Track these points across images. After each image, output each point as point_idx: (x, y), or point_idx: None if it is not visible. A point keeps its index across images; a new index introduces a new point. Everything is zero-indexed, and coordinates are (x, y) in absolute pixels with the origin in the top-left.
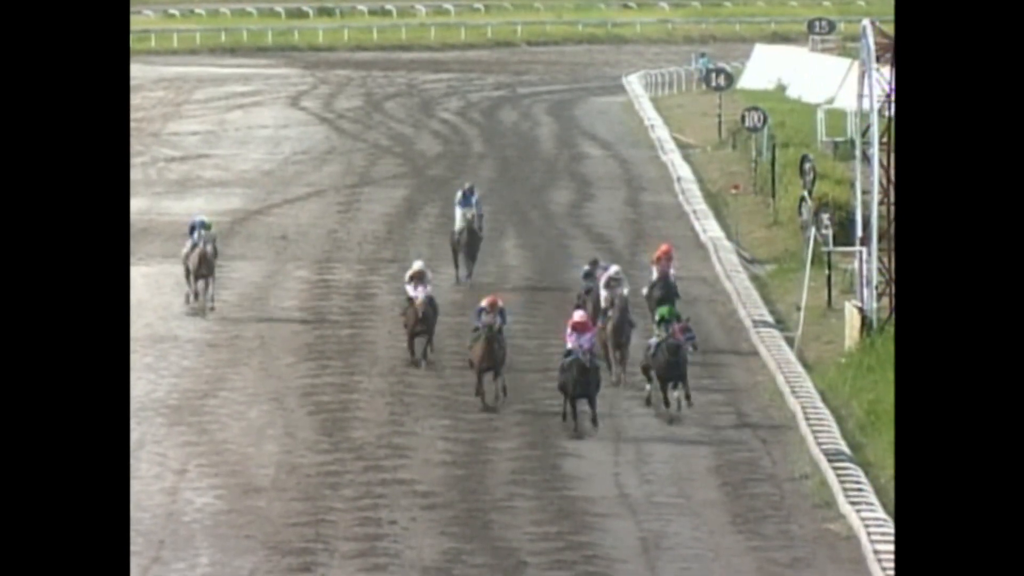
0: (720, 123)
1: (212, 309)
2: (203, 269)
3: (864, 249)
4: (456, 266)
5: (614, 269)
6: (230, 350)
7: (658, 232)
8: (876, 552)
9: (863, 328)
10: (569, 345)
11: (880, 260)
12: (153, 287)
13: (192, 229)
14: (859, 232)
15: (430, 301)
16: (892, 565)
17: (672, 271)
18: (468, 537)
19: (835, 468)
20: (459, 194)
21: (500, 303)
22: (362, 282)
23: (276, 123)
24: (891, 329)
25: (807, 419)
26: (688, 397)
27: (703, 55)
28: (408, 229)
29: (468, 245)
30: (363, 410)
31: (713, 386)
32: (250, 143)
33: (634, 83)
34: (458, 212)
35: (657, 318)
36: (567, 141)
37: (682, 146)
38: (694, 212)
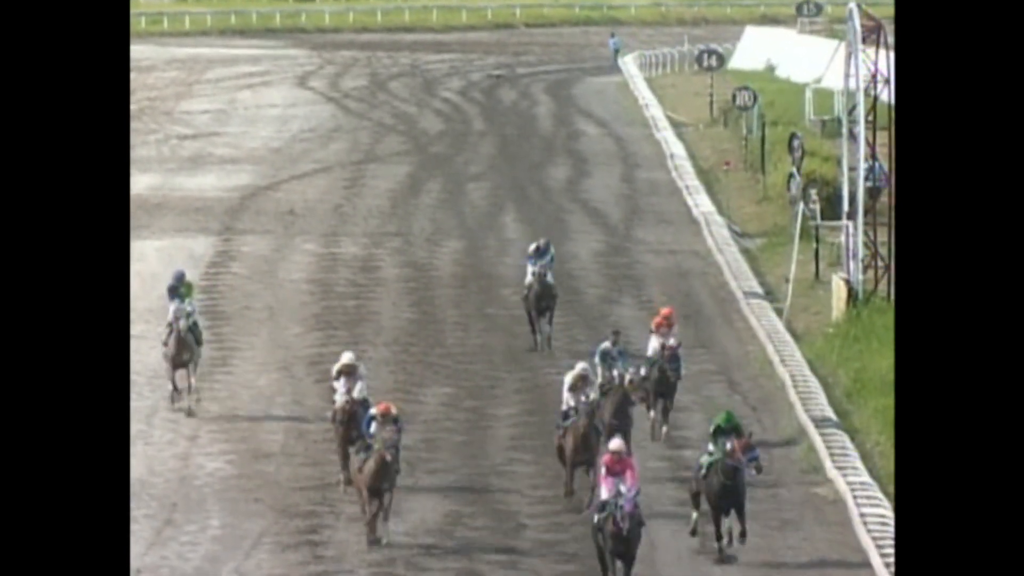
0: (712, 102)
1: (198, 402)
2: (183, 356)
3: (850, 223)
4: (533, 331)
5: (580, 367)
6: (240, 321)
7: (652, 208)
8: (862, 516)
9: (849, 299)
10: (604, 494)
11: (866, 234)
12: (166, 260)
13: (171, 293)
14: (845, 207)
15: (363, 403)
16: (878, 528)
17: (674, 341)
18: (469, 500)
19: (822, 434)
20: (532, 248)
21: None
22: (367, 255)
23: (284, 102)
24: (876, 300)
25: (795, 387)
26: (744, 534)
27: (612, 35)
28: (412, 204)
29: (539, 300)
30: (368, 378)
31: (704, 356)
32: (259, 121)
33: (629, 64)
34: (529, 268)
35: (712, 428)
36: (564, 120)
37: (675, 124)
38: (687, 188)
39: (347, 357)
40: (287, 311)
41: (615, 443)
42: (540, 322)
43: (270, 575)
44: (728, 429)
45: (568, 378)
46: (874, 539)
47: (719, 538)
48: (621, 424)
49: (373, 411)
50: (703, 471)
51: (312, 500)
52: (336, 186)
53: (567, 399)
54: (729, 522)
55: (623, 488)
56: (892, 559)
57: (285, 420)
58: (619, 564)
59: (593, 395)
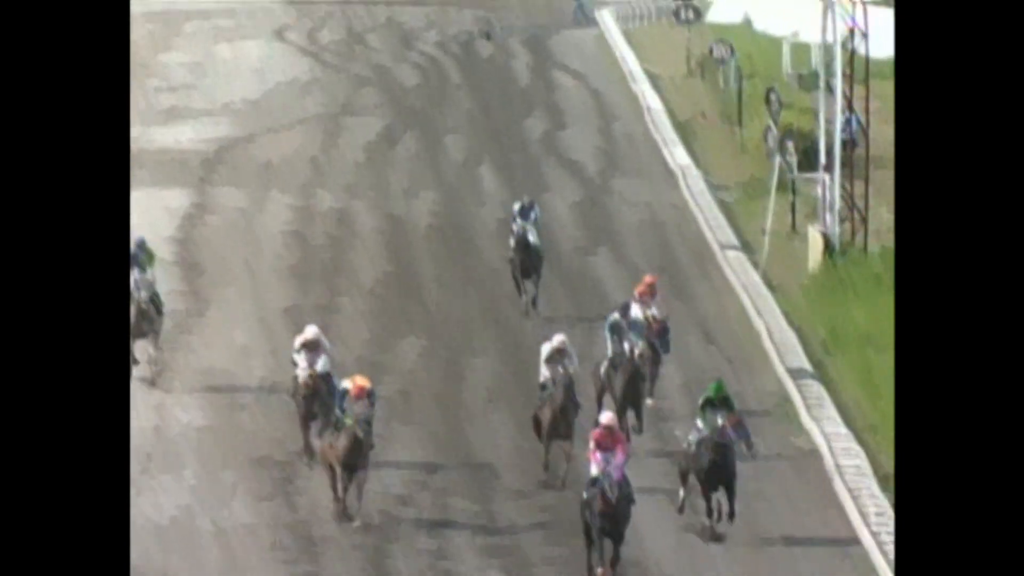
0: (689, 55)
1: (160, 374)
2: (142, 327)
3: (827, 175)
4: (520, 292)
5: (558, 339)
6: (215, 273)
7: (629, 160)
8: (838, 466)
9: (826, 251)
10: (594, 470)
11: (842, 186)
12: (142, 211)
13: (132, 261)
14: (822, 159)
15: (326, 378)
16: (854, 478)
17: (657, 312)
18: (444, 451)
19: (798, 385)
20: (516, 207)
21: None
22: (343, 207)
23: (261, 55)
24: (853, 252)
25: (772, 338)
26: (732, 514)
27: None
28: (388, 156)
29: (524, 262)
30: (344, 330)
31: (681, 308)
32: (235, 74)
33: (606, 17)
34: (513, 228)
35: (701, 401)
36: (541, 72)
37: (652, 77)
38: (663, 140)
39: (311, 331)
40: (263, 263)
41: (606, 417)
42: (525, 283)
43: (245, 525)
44: (718, 401)
45: (544, 349)
46: (850, 489)
47: (709, 514)
48: (633, 399)
49: (345, 385)
50: (692, 448)
51: (287, 451)
52: (312, 139)
53: (544, 371)
54: (717, 497)
55: (612, 468)
56: (869, 508)
57: (260, 371)
58: (606, 543)
59: (571, 368)
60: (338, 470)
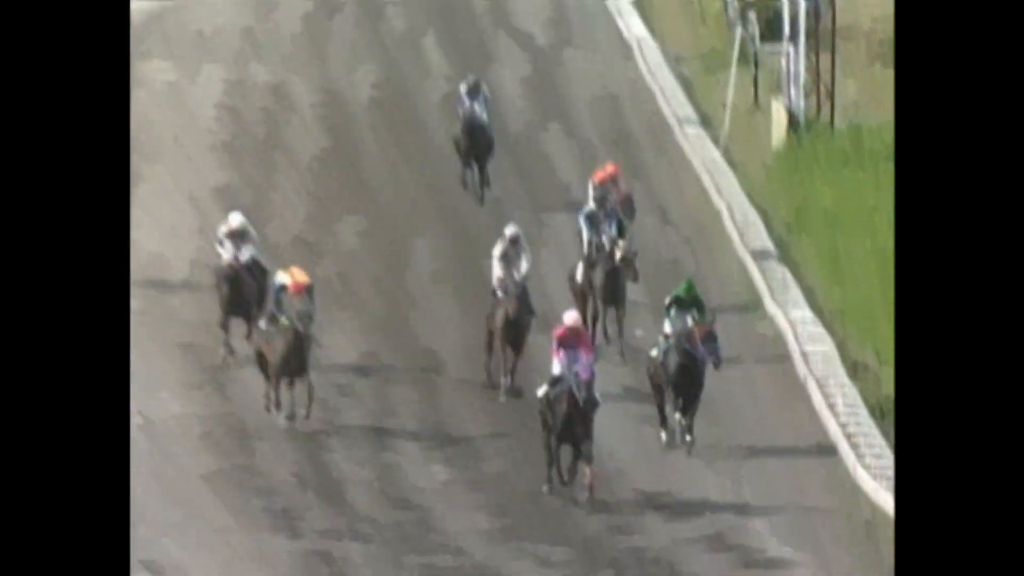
0: None
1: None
2: None
3: (791, 47)
4: (465, 179)
5: (511, 231)
6: (145, 148)
7: (581, 31)
8: (804, 353)
9: (790, 127)
10: (556, 369)
11: (808, 58)
12: None
13: None
14: (786, 30)
15: (252, 269)
16: (821, 365)
17: (614, 197)
18: (386, 337)
19: (761, 268)
20: (463, 88)
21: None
22: (279, 81)
23: None
24: (818, 127)
25: (733, 218)
26: (690, 430)
27: None
28: (326, 27)
29: (472, 147)
30: (280, 209)
31: (636, 186)
32: None
33: None
34: (459, 111)
35: (668, 300)
36: None
37: None
38: (618, 10)
39: (236, 219)
40: (194, 139)
41: (570, 317)
42: (475, 168)
43: (174, 415)
44: (688, 302)
45: (498, 247)
46: (816, 378)
47: (663, 423)
48: (614, 299)
49: (282, 279)
50: (659, 356)
51: (219, 336)
52: (246, 8)
53: (496, 270)
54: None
55: (579, 366)
56: (837, 398)
57: (190, 253)
58: (566, 448)
59: (525, 266)
60: (275, 374)
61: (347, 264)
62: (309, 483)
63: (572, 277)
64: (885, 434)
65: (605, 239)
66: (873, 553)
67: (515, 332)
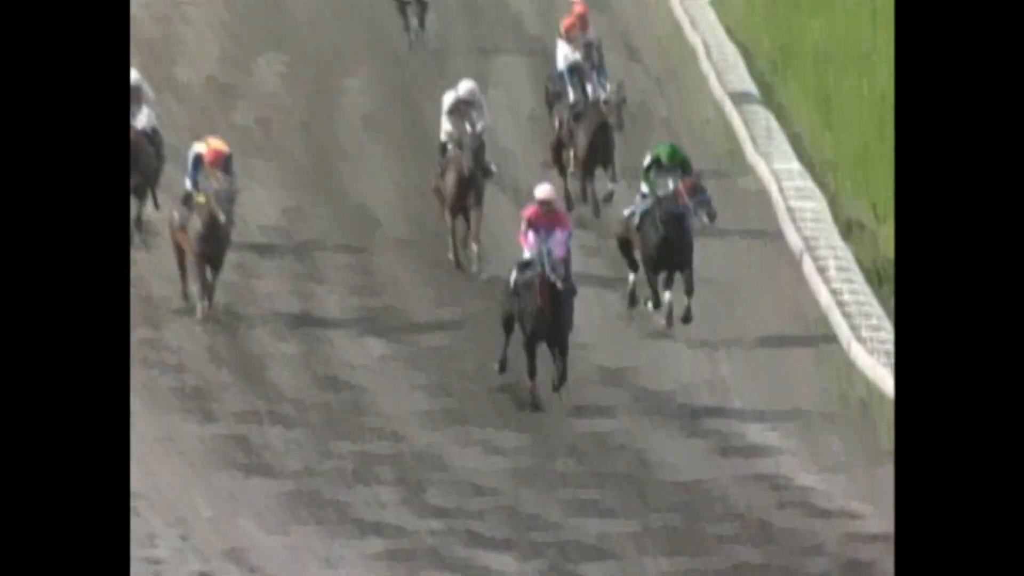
0: None
1: None
2: None
3: None
4: (405, 27)
5: (466, 86)
6: None
7: None
8: (790, 209)
9: None
10: (527, 252)
11: None
12: None
13: None
14: None
15: (151, 137)
16: (812, 224)
17: (595, 41)
18: (312, 192)
19: (742, 112)
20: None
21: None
22: None
23: None
24: None
25: (709, 56)
26: (689, 315)
27: None
28: None
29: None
30: (191, 46)
31: (600, 19)
32: None
33: None
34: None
35: (647, 163)
36: None
37: None
38: None
39: (131, 76)
40: None
41: (543, 190)
42: (414, 8)
43: None
44: (671, 163)
45: (447, 98)
46: (806, 238)
47: (656, 304)
48: (602, 156)
49: (197, 148)
50: (635, 218)
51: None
52: None
53: (446, 125)
54: (671, 288)
55: (553, 244)
56: (829, 261)
57: None
58: (539, 346)
59: (482, 123)
60: (192, 259)
61: (267, 108)
62: (224, 359)
63: (554, 134)
64: (883, 302)
65: (590, 89)
66: (869, 437)
67: (470, 193)
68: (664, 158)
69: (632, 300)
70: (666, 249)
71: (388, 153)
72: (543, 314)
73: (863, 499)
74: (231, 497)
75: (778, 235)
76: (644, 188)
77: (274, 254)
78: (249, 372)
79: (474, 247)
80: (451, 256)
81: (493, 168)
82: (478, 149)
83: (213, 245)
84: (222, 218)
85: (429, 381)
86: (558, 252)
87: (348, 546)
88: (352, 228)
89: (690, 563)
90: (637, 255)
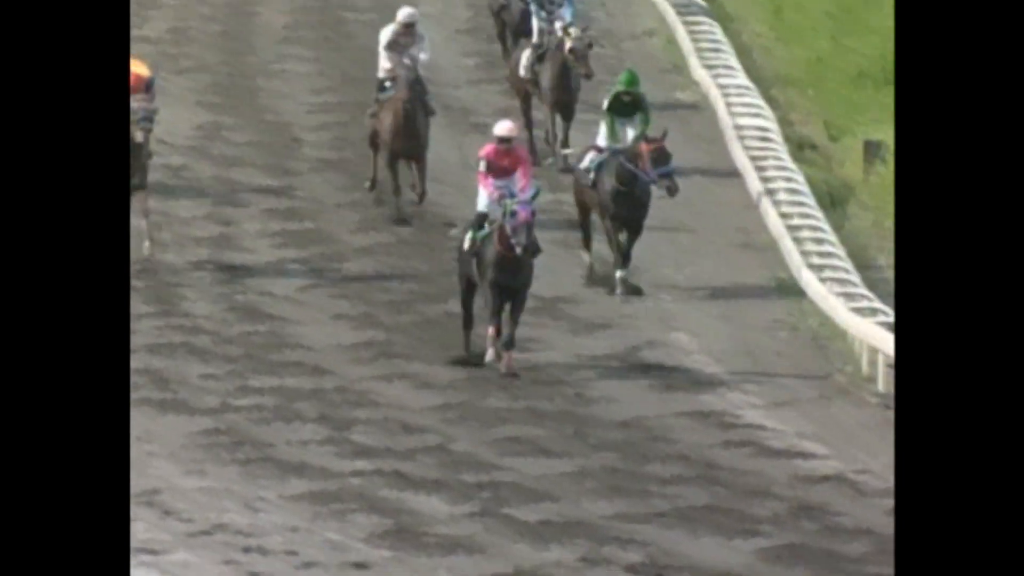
0: None
1: None
2: None
3: None
4: None
5: (405, 13)
6: None
7: None
8: (736, 127)
9: None
10: (483, 202)
11: None
12: None
13: None
14: None
15: None
16: (758, 144)
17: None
18: (230, 109)
19: (686, 23)
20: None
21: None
22: None
23: None
24: None
25: None
26: (627, 260)
27: None
28: None
29: None
30: None
31: None
32: None
33: None
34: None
35: (607, 102)
36: None
37: None
38: None
39: None
40: None
41: (503, 127)
42: None
43: None
44: (630, 103)
45: (385, 32)
46: (753, 158)
47: (623, 262)
48: (565, 97)
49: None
50: (590, 166)
51: None
52: None
53: (383, 62)
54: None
55: (513, 191)
56: (778, 183)
57: None
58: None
59: (424, 56)
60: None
61: (182, 18)
62: (136, 288)
63: (514, 69)
64: (835, 227)
65: (557, 25)
66: (821, 371)
67: (409, 133)
68: (623, 84)
69: (587, 247)
70: (622, 203)
71: (310, 70)
72: (502, 271)
73: (814, 438)
74: (144, 436)
75: (723, 154)
76: (601, 138)
77: (187, 175)
78: (163, 302)
79: (418, 188)
80: (393, 212)
81: (433, 108)
82: (416, 83)
83: (133, 167)
84: (139, 138)
85: (354, 311)
86: (523, 214)
87: (269, 488)
88: (272, 147)
89: (631, 506)
90: (594, 220)
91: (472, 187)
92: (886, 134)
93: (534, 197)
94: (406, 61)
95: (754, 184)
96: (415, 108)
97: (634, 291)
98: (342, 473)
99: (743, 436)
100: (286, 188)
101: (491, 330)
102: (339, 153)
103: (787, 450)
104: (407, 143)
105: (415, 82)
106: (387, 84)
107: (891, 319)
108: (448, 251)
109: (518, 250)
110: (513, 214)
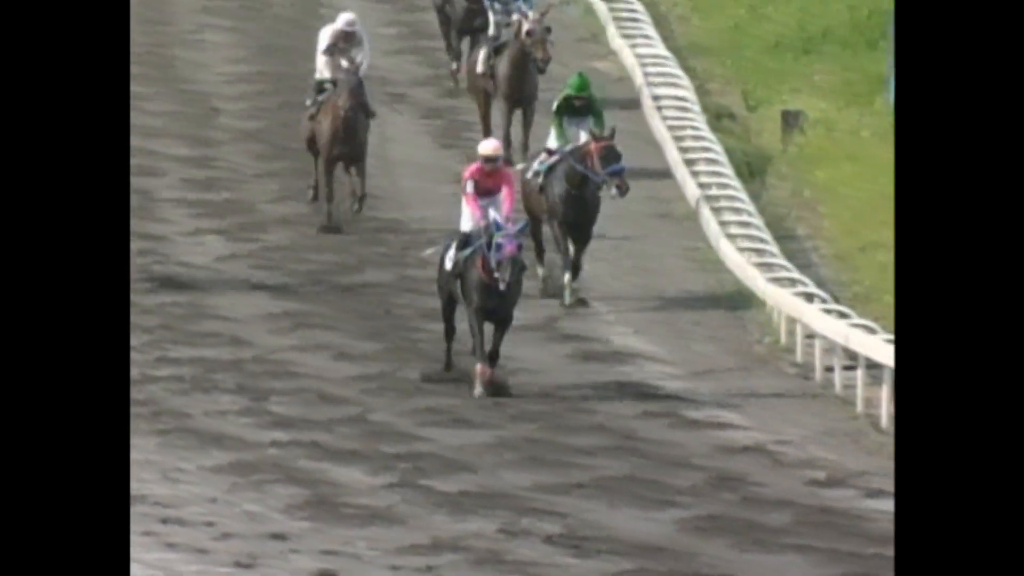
0: None
1: None
2: None
3: None
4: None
5: (346, 18)
6: None
7: None
8: (655, 97)
9: None
10: (465, 223)
11: None
12: None
13: None
14: None
15: None
16: (675, 113)
17: None
18: (147, 79)
19: None
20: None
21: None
22: None
23: None
24: None
25: None
26: (576, 270)
27: None
28: None
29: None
30: None
31: None
32: None
33: None
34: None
35: (556, 104)
36: None
37: None
38: None
39: None
40: None
41: (488, 145)
42: None
43: None
44: (582, 105)
45: (323, 34)
46: (671, 128)
47: (574, 269)
48: (522, 93)
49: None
50: (540, 172)
51: None
52: None
53: (321, 65)
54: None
55: (497, 216)
56: (695, 155)
57: None
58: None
59: (362, 59)
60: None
61: None
62: None
63: (472, 70)
64: (754, 197)
65: (515, 16)
66: (739, 341)
67: (349, 139)
68: (573, 88)
69: (540, 257)
70: (572, 204)
71: (228, 40)
72: (488, 296)
73: (733, 408)
74: None
75: (642, 124)
76: (552, 140)
77: None
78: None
79: (357, 196)
80: (325, 220)
81: (373, 109)
82: (357, 88)
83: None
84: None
85: (273, 281)
86: (508, 248)
87: (186, 459)
88: (188, 117)
89: (550, 476)
90: (545, 229)
91: (388, 158)
92: (804, 103)
93: (521, 232)
94: (345, 64)
95: (671, 153)
96: (356, 113)
97: (580, 303)
98: (261, 444)
99: (662, 407)
100: (204, 158)
101: (479, 367)
102: (257, 123)
103: (706, 421)
104: (345, 148)
105: (357, 86)
106: (326, 86)
107: (809, 288)
108: (365, 222)
109: (502, 286)
110: (499, 247)
